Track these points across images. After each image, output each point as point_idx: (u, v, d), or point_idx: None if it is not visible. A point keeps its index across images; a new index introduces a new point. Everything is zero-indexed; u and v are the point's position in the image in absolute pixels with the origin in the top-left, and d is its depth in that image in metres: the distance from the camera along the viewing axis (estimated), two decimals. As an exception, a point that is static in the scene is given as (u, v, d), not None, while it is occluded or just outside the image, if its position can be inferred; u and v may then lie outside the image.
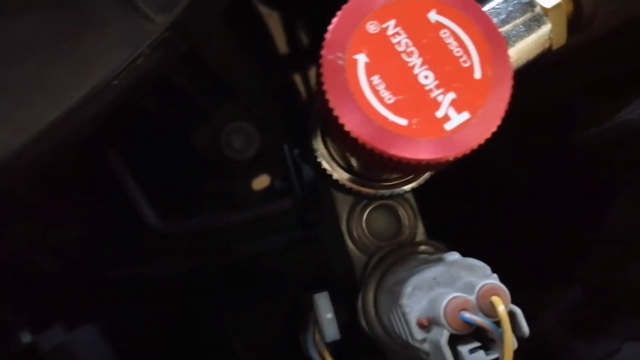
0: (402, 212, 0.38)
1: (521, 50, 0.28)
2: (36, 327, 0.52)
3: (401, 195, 0.37)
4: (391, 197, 0.34)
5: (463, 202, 0.57)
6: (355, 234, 0.37)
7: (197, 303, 0.64)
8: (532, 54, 0.28)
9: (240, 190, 0.77)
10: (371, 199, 0.37)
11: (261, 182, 0.76)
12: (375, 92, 0.23)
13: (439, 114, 0.23)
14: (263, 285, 0.68)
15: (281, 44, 0.79)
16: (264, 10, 0.77)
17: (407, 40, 0.23)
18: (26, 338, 0.51)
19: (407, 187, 0.33)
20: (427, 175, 0.33)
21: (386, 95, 0.23)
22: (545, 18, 0.28)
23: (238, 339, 0.64)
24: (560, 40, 0.29)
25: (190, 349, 0.62)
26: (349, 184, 0.32)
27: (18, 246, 0.56)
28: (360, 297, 0.34)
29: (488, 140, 0.23)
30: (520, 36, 0.27)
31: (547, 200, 0.51)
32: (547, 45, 0.28)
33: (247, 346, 0.64)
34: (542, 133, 0.48)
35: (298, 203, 0.46)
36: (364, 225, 0.37)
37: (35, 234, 0.58)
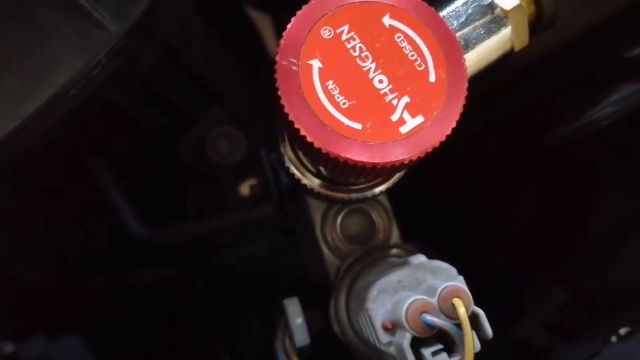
0: (375, 215, 0.38)
1: (482, 53, 0.28)
2: (18, 337, 0.52)
3: (374, 199, 0.37)
4: (364, 200, 0.34)
5: (447, 205, 0.57)
6: (329, 239, 0.37)
7: (182, 310, 0.64)
8: (493, 56, 0.28)
9: (227, 195, 0.77)
10: (344, 203, 0.37)
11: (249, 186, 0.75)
12: (330, 97, 0.23)
13: (394, 117, 0.23)
14: (250, 290, 0.68)
15: (273, 47, 0.79)
16: (254, 14, 0.77)
17: (361, 45, 0.23)
18: (8, 348, 0.51)
19: (377, 190, 0.33)
20: (396, 177, 0.33)
21: (341, 99, 0.23)
22: (505, 20, 0.28)
23: (224, 345, 0.64)
24: (523, 41, 0.29)
25: (176, 356, 0.61)
26: (318, 189, 0.32)
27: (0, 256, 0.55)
28: (332, 302, 0.34)
29: (443, 143, 0.23)
30: (480, 39, 0.27)
31: (532, 202, 0.51)
32: (508, 47, 0.28)
33: (232, 352, 0.64)
34: (523, 135, 0.48)
35: (276, 208, 0.46)
36: (338, 229, 0.37)
37: (17, 244, 0.57)
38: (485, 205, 0.55)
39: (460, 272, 0.28)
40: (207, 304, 0.66)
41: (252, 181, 0.74)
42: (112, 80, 0.30)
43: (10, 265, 0.55)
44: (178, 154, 0.72)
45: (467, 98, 0.24)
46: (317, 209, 0.37)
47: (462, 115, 0.23)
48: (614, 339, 0.44)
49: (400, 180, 0.33)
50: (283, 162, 0.32)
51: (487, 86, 0.44)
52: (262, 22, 0.77)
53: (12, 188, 0.54)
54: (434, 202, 0.57)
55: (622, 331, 0.44)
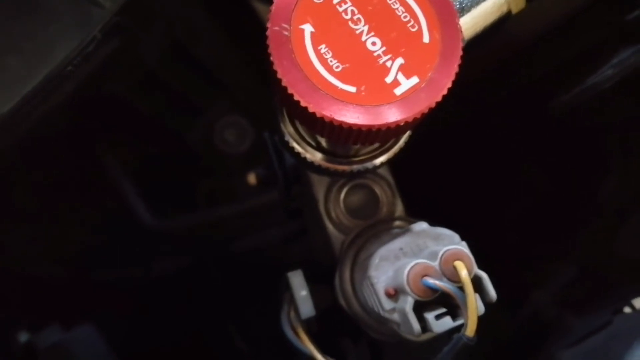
0: (379, 189, 0.37)
1: (477, 16, 0.27)
2: (33, 326, 0.53)
3: (377, 173, 0.37)
4: (366, 173, 0.34)
5: (453, 183, 0.56)
6: (333, 214, 0.37)
7: (196, 299, 0.64)
8: (489, 19, 0.28)
9: (236, 184, 0.77)
10: (347, 177, 0.37)
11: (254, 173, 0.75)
12: (323, 61, 0.23)
13: (388, 79, 0.23)
14: (263, 278, 0.68)
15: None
16: (258, 5, 0.77)
17: (353, 7, 0.23)
18: (23, 337, 0.52)
19: (378, 161, 0.32)
20: (397, 148, 0.33)
21: (334, 63, 0.23)
22: (500, -18, 0.27)
23: (239, 334, 0.64)
24: (519, 3, 0.29)
25: (190, 345, 0.62)
26: (319, 162, 0.32)
27: (15, 248, 0.56)
28: (337, 275, 0.34)
29: (439, 104, 0.23)
30: (475, 2, 0.27)
31: (538, 177, 0.50)
32: (504, 9, 0.28)
33: (248, 340, 0.64)
34: (527, 110, 0.48)
35: (281, 190, 0.46)
36: (341, 205, 0.37)
37: (32, 236, 0.58)
38: (491, 181, 0.55)
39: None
40: (219, 292, 0.66)
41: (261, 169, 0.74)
42: (110, 64, 0.31)
43: (26, 258, 0.56)
44: (186, 144, 0.73)
45: (462, 58, 0.24)
46: (320, 185, 0.37)
47: (458, 76, 0.23)
48: (627, 309, 0.44)
49: (401, 152, 0.33)
50: (283, 138, 0.32)
51: (490, 63, 0.44)
52: (266, 13, 0.77)
53: (25, 183, 0.55)
54: (439, 180, 0.57)
55: (638, 303, 0.44)
